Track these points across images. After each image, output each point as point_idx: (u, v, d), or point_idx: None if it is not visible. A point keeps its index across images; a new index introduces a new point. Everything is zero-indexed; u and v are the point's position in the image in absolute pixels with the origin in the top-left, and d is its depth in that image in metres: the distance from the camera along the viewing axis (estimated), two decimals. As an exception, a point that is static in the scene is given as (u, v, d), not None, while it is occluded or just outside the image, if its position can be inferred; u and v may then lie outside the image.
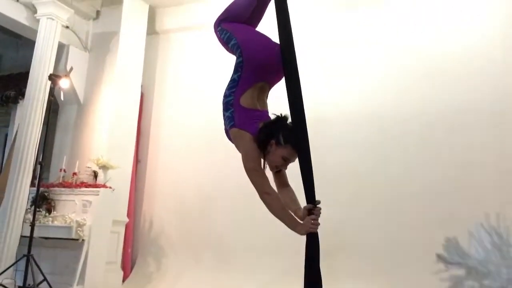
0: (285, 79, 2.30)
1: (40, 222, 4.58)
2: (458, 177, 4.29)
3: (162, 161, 5.74)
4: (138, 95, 5.71)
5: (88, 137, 5.31)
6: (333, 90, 4.97)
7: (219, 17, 2.52)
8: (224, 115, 2.39)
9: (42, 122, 4.83)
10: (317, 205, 2.16)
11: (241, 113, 2.32)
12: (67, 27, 5.35)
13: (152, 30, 6.04)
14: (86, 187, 4.82)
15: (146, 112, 5.97)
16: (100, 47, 5.61)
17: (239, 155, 2.51)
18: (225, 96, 2.39)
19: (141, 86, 5.78)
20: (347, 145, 4.79)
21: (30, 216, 4.51)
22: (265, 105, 2.40)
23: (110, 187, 4.84)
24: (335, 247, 4.32)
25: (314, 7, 5.11)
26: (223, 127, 5.47)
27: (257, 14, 2.53)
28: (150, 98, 6.01)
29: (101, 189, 4.76)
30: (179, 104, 5.85)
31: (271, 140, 2.22)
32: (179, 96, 5.88)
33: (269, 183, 2.25)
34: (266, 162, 2.28)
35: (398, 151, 4.57)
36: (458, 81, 4.46)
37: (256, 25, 2.57)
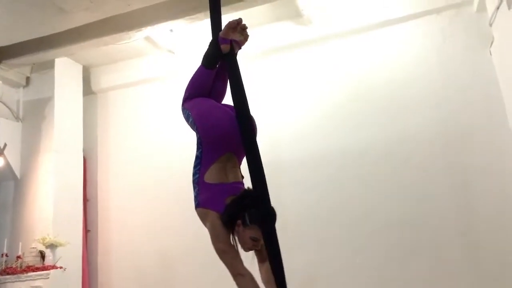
0: (243, 147, 2.19)
1: (-17, 320, 4.10)
2: (419, 208, 4.34)
3: (115, 227, 5.39)
4: (80, 161, 5.38)
5: (30, 214, 4.88)
6: (286, 132, 4.94)
7: (183, 96, 2.42)
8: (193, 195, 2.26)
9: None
10: None
11: (206, 190, 2.20)
12: (-6, 98, 4.99)
13: (88, 91, 5.79)
14: (33, 271, 4.37)
15: (91, 177, 5.64)
16: (34, 115, 5.24)
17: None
18: (192, 175, 2.27)
19: (83, 150, 5.46)
20: (305, 186, 4.73)
21: (-29, 315, 4.02)
22: (237, 176, 2.28)
23: (61, 267, 4.44)
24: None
25: (261, 51, 5.10)
26: (176, 185, 5.22)
27: (219, 84, 2.44)
28: (94, 162, 5.69)
29: (51, 271, 4.34)
30: (125, 164, 5.58)
31: (237, 220, 2.10)
32: (125, 156, 5.62)
33: (242, 263, 2.11)
34: (236, 242, 2.14)
35: (357, 186, 4.57)
36: (406, 112, 4.57)
37: (221, 96, 2.48)
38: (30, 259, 4.53)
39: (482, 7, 4.33)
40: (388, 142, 4.59)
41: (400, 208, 4.39)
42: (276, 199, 4.65)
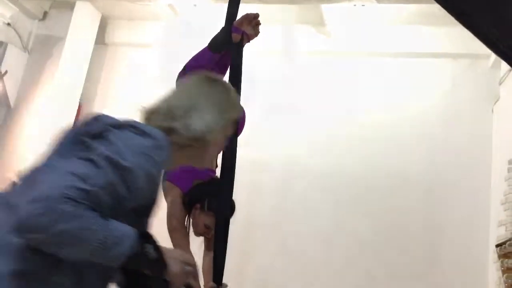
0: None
1: None
2: (386, 240, 4.41)
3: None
4: (75, 106, 5.42)
5: (11, 147, 4.91)
6: (274, 134, 4.92)
7: (179, 72, 2.46)
8: None
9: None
10: None
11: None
12: (8, 24, 5.00)
13: (100, 40, 5.78)
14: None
15: (82, 125, 5.66)
16: (42, 49, 5.26)
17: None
18: None
19: (81, 97, 5.49)
20: (283, 193, 4.76)
21: None
22: (212, 163, 2.32)
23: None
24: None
25: (271, 49, 5.09)
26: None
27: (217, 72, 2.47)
28: (89, 111, 5.72)
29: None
30: (118, 122, 5.60)
31: (197, 204, 2.15)
32: (120, 113, 5.62)
33: (188, 246, 2.17)
34: (190, 225, 2.21)
35: (329, 207, 4.62)
36: (396, 149, 4.61)
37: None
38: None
39: (497, 65, 4.36)
40: (372, 172, 4.60)
41: (367, 235, 4.45)
42: (251, 197, 4.66)
